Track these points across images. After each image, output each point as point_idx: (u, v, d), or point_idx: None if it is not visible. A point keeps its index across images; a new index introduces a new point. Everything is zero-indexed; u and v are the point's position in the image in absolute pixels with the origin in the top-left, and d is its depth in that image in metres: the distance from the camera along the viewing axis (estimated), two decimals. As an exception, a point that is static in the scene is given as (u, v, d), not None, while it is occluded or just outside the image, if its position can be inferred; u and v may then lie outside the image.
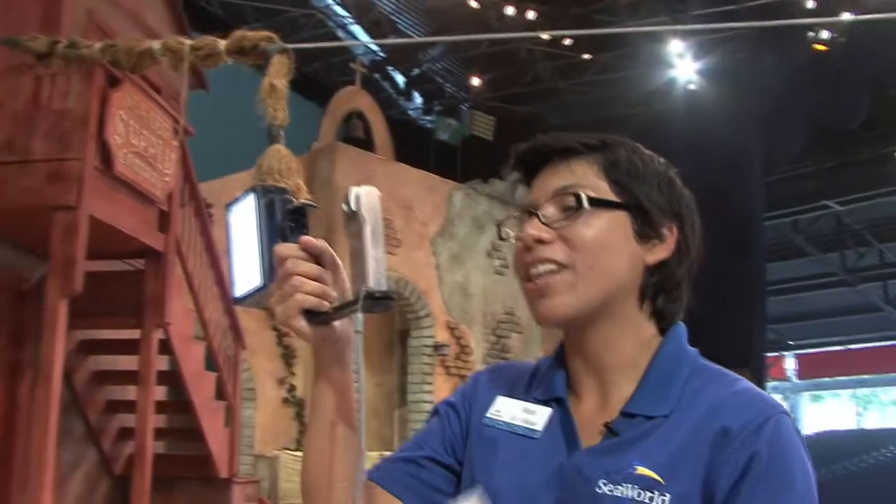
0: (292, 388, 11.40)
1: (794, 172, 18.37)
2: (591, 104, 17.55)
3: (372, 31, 16.56)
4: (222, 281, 7.11)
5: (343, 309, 1.08)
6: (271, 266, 1.08)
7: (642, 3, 14.40)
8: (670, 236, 1.16)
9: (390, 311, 12.31)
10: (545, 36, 15.42)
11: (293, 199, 1.12)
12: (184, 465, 7.20)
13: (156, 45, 3.83)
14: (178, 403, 7.04)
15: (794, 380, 30.11)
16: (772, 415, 1.04)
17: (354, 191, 1.07)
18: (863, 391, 31.35)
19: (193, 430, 6.89)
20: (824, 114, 14.24)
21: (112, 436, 6.95)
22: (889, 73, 13.61)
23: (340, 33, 17.06)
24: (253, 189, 1.11)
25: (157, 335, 6.04)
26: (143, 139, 5.65)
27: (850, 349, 28.86)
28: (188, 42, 3.71)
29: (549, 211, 1.14)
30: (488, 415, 1.22)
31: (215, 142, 9.89)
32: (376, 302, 1.03)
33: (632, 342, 1.15)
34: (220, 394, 7.29)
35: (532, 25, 14.75)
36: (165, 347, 6.36)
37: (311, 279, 1.07)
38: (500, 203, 14.35)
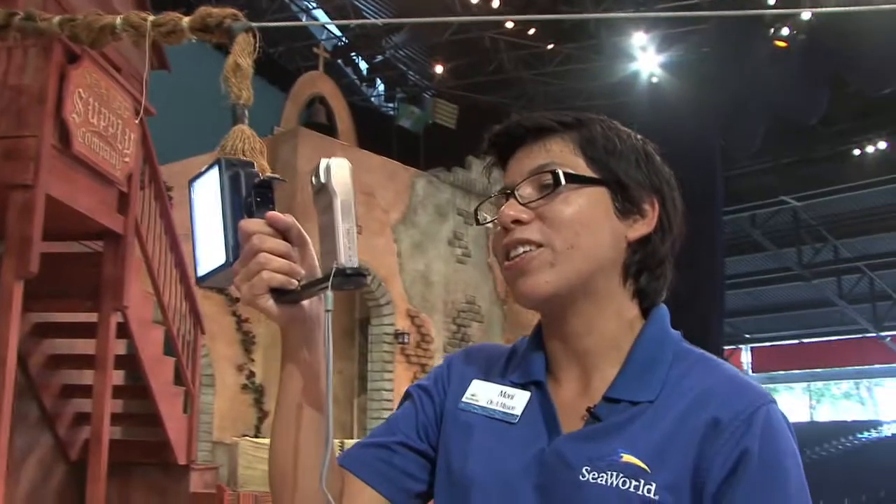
0: (251, 375, 11.31)
1: (753, 168, 18.63)
2: (554, 95, 17.61)
3: (335, 17, 16.45)
4: (182, 264, 7.01)
5: (312, 287, 1.02)
6: (236, 242, 1.02)
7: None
8: (652, 212, 1.12)
9: (358, 292, 12.24)
10: (509, 24, 15.44)
11: (259, 173, 1.06)
12: (141, 451, 7.11)
13: (117, 20, 3.73)
14: (136, 388, 6.93)
15: (750, 373, 30.52)
16: (761, 404, 1.01)
17: (325, 162, 1.00)
18: (816, 384, 31.90)
19: (151, 416, 6.79)
20: (784, 110, 14.41)
21: (67, 421, 6.83)
22: (848, 70, 13.79)
23: (304, 18, 16.95)
24: (217, 162, 1.05)
25: (115, 319, 5.94)
26: (102, 118, 5.54)
27: (803, 343, 29.34)
28: (150, 18, 3.61)
29: (526, 191, 1.10)
30: (464, 399, 1.18)
31: (176, 124, 9.77)
32: (347, 279, 0.97)
33: (614, 323, 1.11)
34: (179, 379, 7.20)
35: (497, 14, 14.75)
36: (123, 331, 6.25)
37: (278, 256, 1.02)
38: (462, 191, 14.34)
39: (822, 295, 24.03)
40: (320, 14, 16.97)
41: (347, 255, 0.97)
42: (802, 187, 18.78)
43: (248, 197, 1.04)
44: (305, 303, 1.07)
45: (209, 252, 1.06)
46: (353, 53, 17.83)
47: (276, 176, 1.08)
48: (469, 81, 17.75)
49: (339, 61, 17.66)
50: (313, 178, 1.01)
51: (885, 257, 22.48)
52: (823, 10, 11.92)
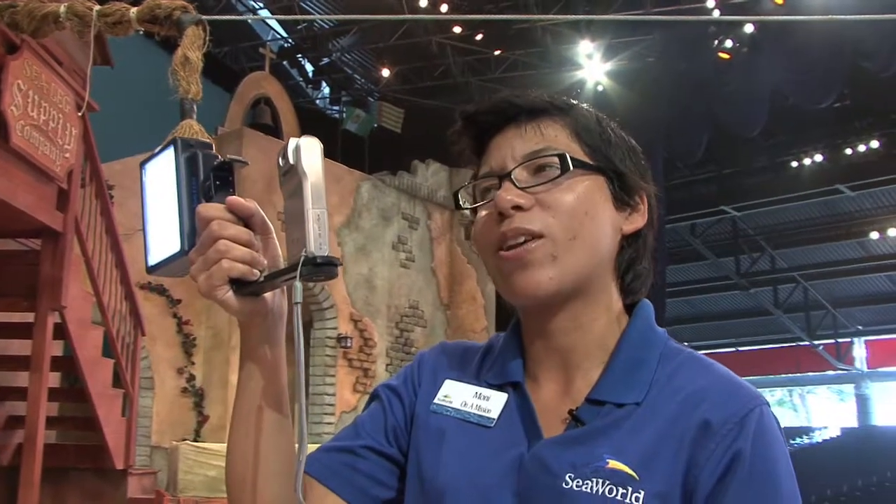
0: (191, 378, 11.11)
1: (694, 177, 18.90)
2: (501, 101, 17.65)
3: (282, 17, 16.32)
4: (123, 264, 6.85)
5: (277, 277, 0.95)
6: (192, 229, 0.95)
7: (554, 3, 14.54)
8: (643, 205, 1.08)
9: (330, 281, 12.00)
10: (457, 30, 15.45)
11: (218, 155, 0.99)
12: (77, 455, 6.92)
13: (61, 8, 3.62)
14: (73, 391, 6.76)
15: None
16: (754, 407, 0.96)
17: (294, 141, 0.94)
18: (751, 392, 32.37)
19: (88, 419, 6.61)
20: (725, 121, 14.65)
21: (0, 424, 6.63)
22: (787, 84, 14.07)
23: (251, 18, 16.78)
24: (172, 142, 0.97)
25: (53, 319, 5.77)
26: (42, 112, 5.39)
27: (740, 351, 29.87)
28: (96, 7, 3.51)
29: (522, 175, 1.03)
30: (436, 401, 1.11)
31: (118, 121, 9.57)
32: (318, 269, 0.90)
33: (603, 320, 1.05)
34: (117, 381, 7.02)
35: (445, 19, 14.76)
36: (60, 332, 6.08)
37: (239, 244, 0.94)
38: (407, 196, 14.30)
39: (759, 304, 24.46)
40: (266, 14, 16.82)
41: (318, 243, 0.91)
42: (741, 197, 19.08)
43: (207, 180, 0.96)
44: (268, 296, 1.00)
45: (162, 239, 0.98)
46: (298, 55, 17.70)
47: (238, 158, 1.00)
48: (415, 86, 17.74)
49: (285, 63, 17.52)
50: (280, 159, 0.94)
51: (819, 268, 22.97)
52: (768, 18, 12.14)
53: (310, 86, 19.09)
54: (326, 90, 19.69)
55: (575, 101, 1.11)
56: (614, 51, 15.32)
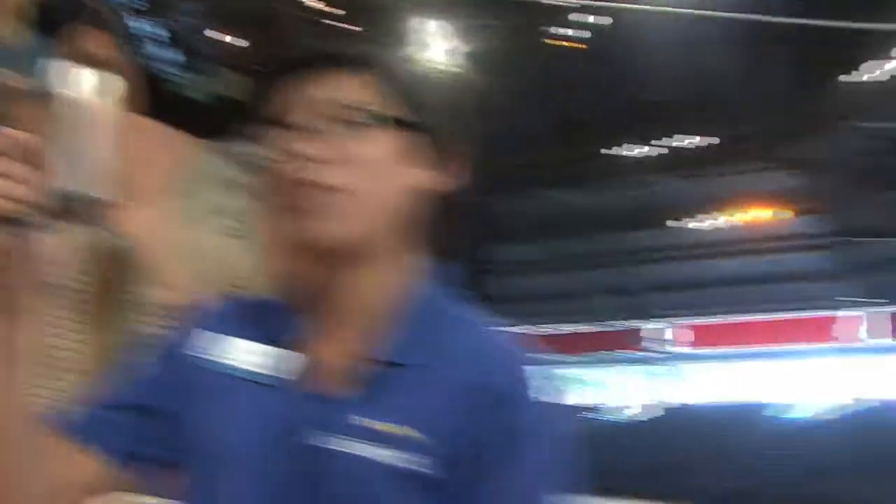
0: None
1: (526, 159, 19.16)
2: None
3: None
4: None
5: (35, 217, 0.83)
6: None
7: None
8: (452, 163, 1.03)
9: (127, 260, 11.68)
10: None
11: None
12: None
13: None
14: None
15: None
16: (532, 375, 0.96)
17: (71, 70, 0.85)
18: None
19: None
20: (563, 107, 14.92)
21: None
22: (626, 75, 14.38)
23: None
24: None
25: None
26: None
27: (556, 332, 30.01)
28: None
29: (322, 127, 0.95)
30: (210, 357, 1.02)
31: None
32: (77, 206, 0.81)
33: (391, 279, 1.01)
34: None
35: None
36: None
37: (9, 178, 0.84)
38: (242, 163, 14.05)
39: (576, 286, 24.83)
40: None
41: (78, 179, 0.82)
42: (564, 182, 19.29)
43: None
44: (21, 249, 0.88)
45: None
46: (142, 16, 17.02)
47: (11, 75, 0.95)
48: (261, 54, 17.39)
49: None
50: (54, 89, 0.85)
51: (633, 254, 23.52)
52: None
53: (152, 47, 18.41)
54: (170, 53, 19.04)
55: (389, 50, 1.07)
56: (462, 32, 15.39)
